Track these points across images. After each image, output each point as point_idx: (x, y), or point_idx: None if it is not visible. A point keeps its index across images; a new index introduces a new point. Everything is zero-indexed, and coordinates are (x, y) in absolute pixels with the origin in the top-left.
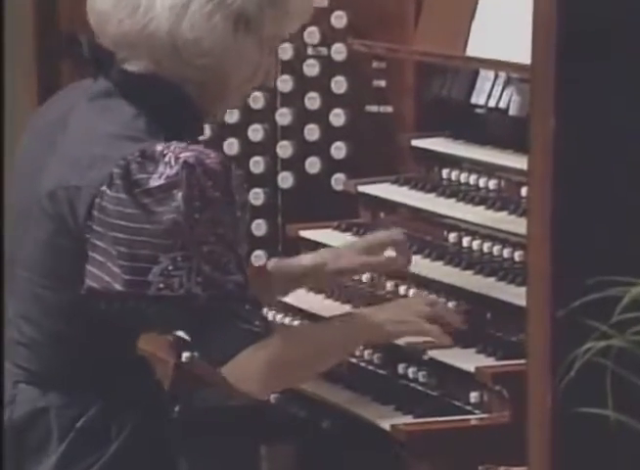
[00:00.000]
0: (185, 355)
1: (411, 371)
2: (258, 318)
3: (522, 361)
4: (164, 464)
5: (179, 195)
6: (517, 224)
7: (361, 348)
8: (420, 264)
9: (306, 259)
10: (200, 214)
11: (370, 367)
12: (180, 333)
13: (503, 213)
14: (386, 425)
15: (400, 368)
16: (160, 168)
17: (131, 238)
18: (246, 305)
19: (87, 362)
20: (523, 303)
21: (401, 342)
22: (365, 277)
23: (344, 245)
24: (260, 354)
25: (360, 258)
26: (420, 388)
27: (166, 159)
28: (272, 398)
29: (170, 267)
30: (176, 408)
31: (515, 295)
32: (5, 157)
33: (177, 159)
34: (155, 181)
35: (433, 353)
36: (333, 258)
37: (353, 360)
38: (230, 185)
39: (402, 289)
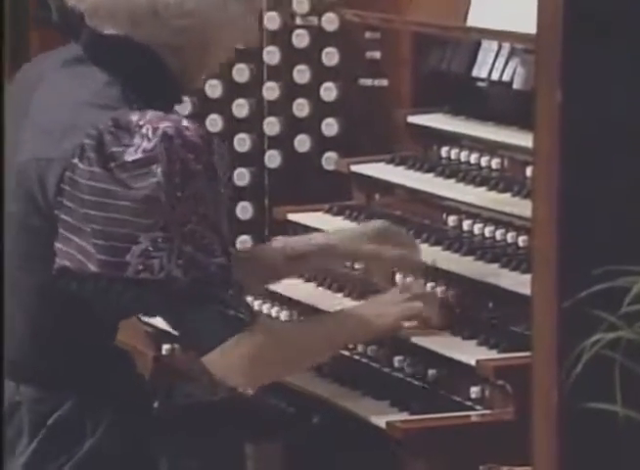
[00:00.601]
0: (165, 348)
1: (408, 364)
2: (242, 304)
3: (526, 354)
4: (143, 463)
5: (159, 170)
6: (521, 206)
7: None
8: None
9: (319, 238)
10: (182, 191)
11: (364, 360)
12: (160, 320)
13: (506, 195)
14: (381, 422)
15: (396, 361)
16: (137, 140)
17: (107, 215)
18: (229, 289)
19: (62, 353)
20: (527, 291)
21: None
22: (358, 265)
23: (347, 229)
24: (245, 345)
25: (373, 247)
26: (417, 382)
27: (143, 130)
28: (259, 392)
29: (150, 248)
30: (155, 404)
31: (519, 282)
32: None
33: (155, 130)
34: (131, 155)
35: (431, 345)
36: (343, 240)
37: (346, 353)
38: (212, 158)
39: (399, 277)
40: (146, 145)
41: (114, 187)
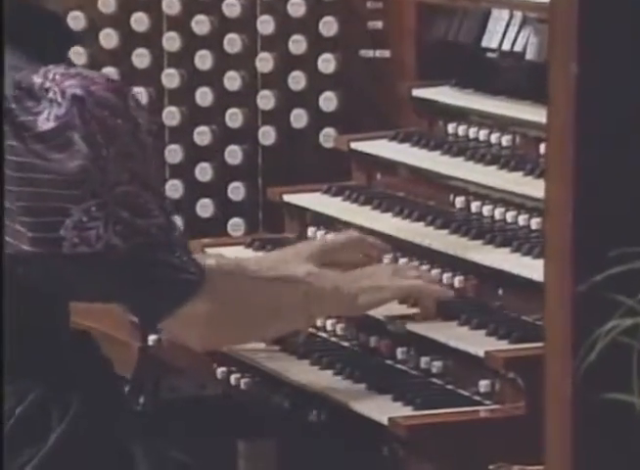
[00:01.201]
0: (151, 339)
1: (412, 356)
2: (192, 264)
3: (538, 345)
4: (115, 452)
5: (77, 137)
6: (534, 187)
7: (354, 330)
8: (422, 233)
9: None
10: (106, 150)
11: (364, 352)
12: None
13: (518, 174)
14: (382, 418)
15: (399, 353)
16: (45, 106)
17: (32, 191)
18: (175, 251)
19: (21, 342)
20: (540, 277)
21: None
22: None
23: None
24: (200, 307)
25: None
26: (422, 375)
27: (50, 95)
28: (251, 386)
29: (84, 219)
30: (141, 400)
31: (531, 268)
32: None
33: (63, 93)
34: (44, 123)
35: (437, 336)
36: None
37: (345, 344)
38: (129, 109)
39: (402, 262)
40: (57, 111)
41: (33, 160)
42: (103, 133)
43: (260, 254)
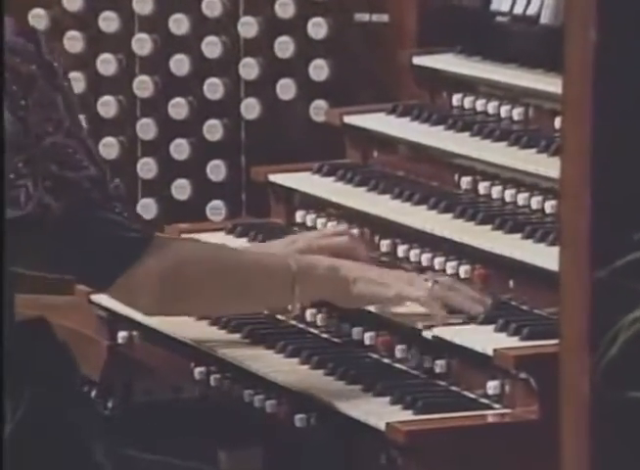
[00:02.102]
0: (122, 336)
1: (412, 355)
2: (135, 220)
3: (553, 341)
4: (76, 455)
5: None
6: (548, 165)
7: (348, 325)
8: (424, 218)
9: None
10: (24, 100)
11: (360, 350)
12: (115, 303)
13: (531, 151)
14: (379, 423)
15: (398, 351)
16: None
17: None
18: (114, 205)
19: None
20: (554, 266)
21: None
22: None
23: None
24: (149, 269)
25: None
26: (423, 376)
27: None
28: (233, 388)
29: (12, 176)
30: (109, 404)
31: (545, 256)
32: None
33: None
34: None
35: (440, 332)
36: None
37: (338, 340)
38: (42, 52)
39: (401, 249)
40: None
41: None
42: (18, 83)
43: (243, 240)
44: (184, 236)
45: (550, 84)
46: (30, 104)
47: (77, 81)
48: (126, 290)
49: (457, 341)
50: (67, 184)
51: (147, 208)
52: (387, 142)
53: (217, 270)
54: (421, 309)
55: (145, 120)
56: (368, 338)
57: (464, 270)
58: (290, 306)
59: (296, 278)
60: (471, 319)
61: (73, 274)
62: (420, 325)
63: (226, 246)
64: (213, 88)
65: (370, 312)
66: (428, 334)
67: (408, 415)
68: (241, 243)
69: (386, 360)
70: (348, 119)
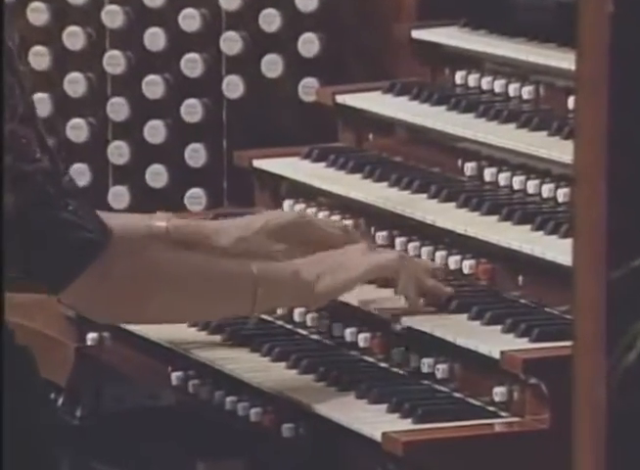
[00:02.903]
0: (91, 337)
1: (411, 358)
2: (91, 220)
3: (566, 343)
4: (37, 457)
5: None
6: (561, 149)
7: (340, 326)
8: (424, 207)
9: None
10: None
11: (353, 353)
12: None
13: (542, 134)
14: (375, 433)
15: (395, 354)
16: None
17: None
18: (67, 202)
19: None
20: (568, 260)
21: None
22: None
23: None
24: (103, 274)
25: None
26: (424, 381)
27: None
28: (213, 395)
29: None
30: (77, 412)
31: (557, 249)
32: None
33: None
34: None
35: (441, 333)
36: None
37: (329, 342)
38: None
39: (399, 242)
40: None
41: None
42: None
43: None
44: None
45: (563, 60)
46: None
47: (42, 57)
48: (78, 295)
49: (460, 342)
50: (20, 178)
51: (118, 196)
52: (383, 124)
53: (176, 275)
54: (399, 303)
55: (116, 100)
56: (362, 339)
57: (468, 265)
58: (252, 313)
59: (258, 283)
60: (440, 306)
61: (25, 274)
62: (387, 315)
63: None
64: (192, 65)
65: (365, 311)
66: (397, 327)
67: (406, 424)
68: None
69: (381, 364)
70: (341, 99)
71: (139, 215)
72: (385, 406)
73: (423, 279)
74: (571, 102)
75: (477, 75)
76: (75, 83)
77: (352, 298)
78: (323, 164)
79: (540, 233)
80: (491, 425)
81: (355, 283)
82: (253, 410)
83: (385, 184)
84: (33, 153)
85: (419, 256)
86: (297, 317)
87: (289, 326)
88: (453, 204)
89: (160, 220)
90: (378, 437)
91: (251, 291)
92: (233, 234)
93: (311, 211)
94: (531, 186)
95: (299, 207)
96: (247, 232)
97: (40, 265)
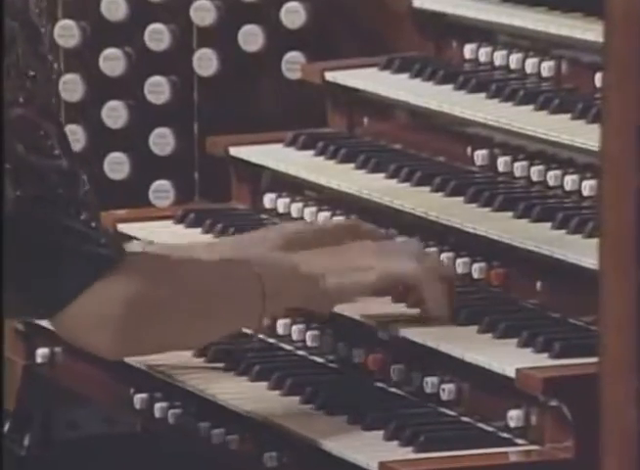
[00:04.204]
0: (41, 353)
1: (412, 377)
2: (104, 234)
3: (592, 360)
4: None
5: None
6: (587, 135)
7: (330, 340)
8: (427, 202)
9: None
10: None
11: (345, 371)
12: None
13: (564, 117)
14: (371, 462)
15: (394, 371)
16: None
17: None
18: (81, 212)
19: None
20: (593, 264)
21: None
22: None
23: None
24: (111, 295)
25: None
26: (427, 403)
27: None
28: (183, 419)
29: None
30: (25, 441)
31: (581, 251)
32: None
33: None
34: None
35: (447, 348)
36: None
37: (318, 359)
38: (29, 11)
39: (400, 242)
40: None
41: None
42: None
43: (196, 231)
44: (120, 226)
45: (588, 32)
46: (4, 65)
47: None
48: (78, 323)
49: (469, 359)
50: (30, 172)
51: None
52: (380, 106)
53: (184, 293)
54: (410, 311)
55: (70, 77)
56: (357, 355)
57: (478, 269)
58: (262, 321)
59: (264, 286)
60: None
61: (19, 296)
62: (374, 322)
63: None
64: (157, 36)
65: (360, 322)
66: (384, 334)
67: (407, 453)
68: (193, 235)
69: (378, 384)
70: (331, 76)
71: None
72: (382, 433)
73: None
74: (598, 80)
75: (488, 49)
76: None
77: (344, 306)
78: (311, 153)
79: (562, 232)
80: (505, 454)
81: (367, 289)
82: (230, 437)
83: (382, 175)
84: (51, 148)
85: None
86: (280, 329)
87: (271, 340)
88: (461, 198)
89: (135, 248)
90: (374, 467)
91: (260, 296)
92: None
93: (297, 206)
94: (552, 177)
95: (283, 201)
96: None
97: (37, 277)
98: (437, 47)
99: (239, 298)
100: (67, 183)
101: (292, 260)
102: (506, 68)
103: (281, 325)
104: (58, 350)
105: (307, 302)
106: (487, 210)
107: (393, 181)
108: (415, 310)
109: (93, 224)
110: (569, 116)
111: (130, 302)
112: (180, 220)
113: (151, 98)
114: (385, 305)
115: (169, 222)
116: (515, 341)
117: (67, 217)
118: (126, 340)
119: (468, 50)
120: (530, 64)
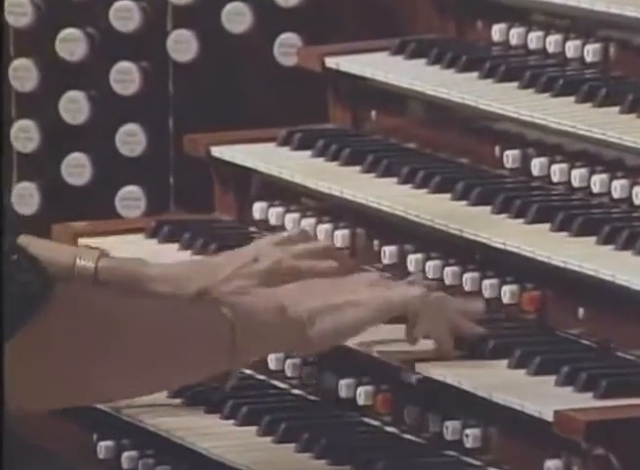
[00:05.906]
0: None
1: (432, 421)
2: (29, 264)
3: None
4: None
5: None
6: (638, 131)
7: (333, 377)
8: (447, 212)
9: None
10: None
11: (348, 414)
12: None
13: (612, 110)
14: None
15: (408, 414)
16: None
17: None
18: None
19: None
20: None
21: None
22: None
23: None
24: (38, 336)
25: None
26: (448, 452)
27: None
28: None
29: None
30: None
31: (632, 271)
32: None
33: None
34: None
35: (471, 387)
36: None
37: (315, 399)
38: None
39: (413, 259)
40: None
41: None
42: None
43: (172, 247)
44: (82, 242)
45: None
46: None
47: None
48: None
49: (498, 399)
50: None
51: (25, 197)
52: (391, 97)
53: (140, 337)
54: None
55: (21, 62)
56: (362, 395)
57: (509, 291)
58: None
59: (235, 330)
60: (469, 351)
61: None
62: (397, 362)
63: (149, 292)
64: (125, 15)
65: (366, 356)
66: (410, 377)
67: None
68: (168, 252)
69: (388, 429)
70: (333, 63)
71: (67, 248)
72: None
73: (455, 321)
74: None
75: (521, 30)
76: None
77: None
78: (308, 154)
79: (609, 247)
80: None
81: (365, 326)
82: None
83: (393, 180)
84: None
85: (441, 278)
86: (272, 365)
87: (261, 377)
88: (488, 208)
89: (87, 259)
90: None
91: (227, 348)
92: (185, 284)
93: (292, 217)
94: (597, 183)
95: (275, 211)
96: (208, 281)
97: None
98: (459, 28)
99: (200, 344)
100: None
101: (277, 302)
102: (542, 51)
103: (272, 359)
104: None
105: (290, 347)
106: (520, 221)
107: (407, 187)
108: (427, 344)
109: (16, 255)
110: (617, 109)
111: (59, 339)
112: (153, 234)
113: (117, 88)
114: (379, 330)
115: (140, 236)
116: (553, 378)
117: None
118: (48, 396)
119: (496, 31)
120: (572, 47)
